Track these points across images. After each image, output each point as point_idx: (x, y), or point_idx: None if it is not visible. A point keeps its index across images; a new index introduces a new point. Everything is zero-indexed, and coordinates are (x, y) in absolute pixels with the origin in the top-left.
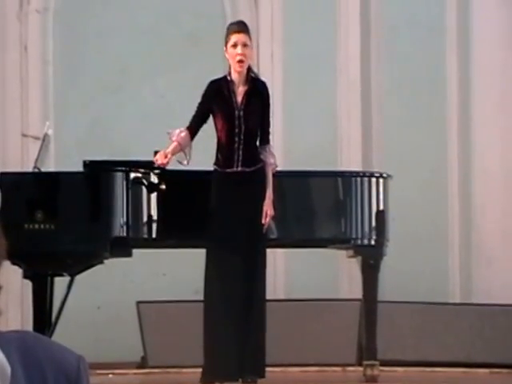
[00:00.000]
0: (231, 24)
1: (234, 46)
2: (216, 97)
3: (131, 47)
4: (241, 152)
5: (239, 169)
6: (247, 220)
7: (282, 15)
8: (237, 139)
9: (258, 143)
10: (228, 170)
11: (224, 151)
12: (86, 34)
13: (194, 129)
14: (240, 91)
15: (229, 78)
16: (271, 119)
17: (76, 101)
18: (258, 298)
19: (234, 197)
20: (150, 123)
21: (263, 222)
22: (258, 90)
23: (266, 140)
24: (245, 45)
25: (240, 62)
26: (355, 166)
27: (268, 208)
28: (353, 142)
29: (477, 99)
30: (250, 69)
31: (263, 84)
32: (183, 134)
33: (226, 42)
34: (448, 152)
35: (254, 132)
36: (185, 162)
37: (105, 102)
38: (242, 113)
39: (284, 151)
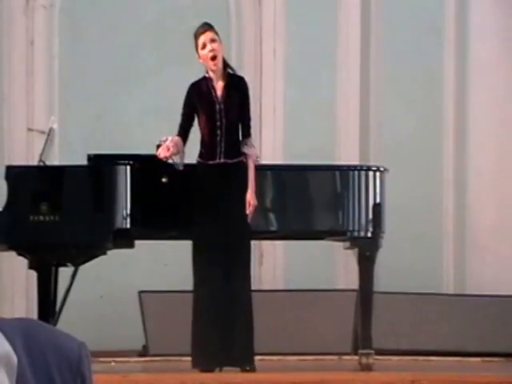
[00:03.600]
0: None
1: (203, 46)
2: (198, 96)
3: (136, 43)
4: (223, 144)
5: (221, 160)
6: (230, 210)
7: (284, 12)
8: (219, 132)
9: (239, 137)
10: (210, 162)
11: (207, 145)
12: (92, 29)
13: (183, 134)
14: (219, 86)
15: (207, 75)
16: (273, 115)
17: (81, 95)
18: (242, 287)
19: (217, 188)
20: (153, 118)
21: (247, 212)
22: (235, 84)
23: (247, 133)
24: (213, 40)
25: (213, 58)
26: (353, 159)
27: (251, 198)
28: (351, 137)
29: (473, 95)
30: (227, 65)
31: (241, 79)
32: (176, 138)
33: (196, 48)
34: (444, 147)
35: (235, 125)
36: (180, 168)
37: (109, 96)
38: (222, 106)
39: (284, 145)
